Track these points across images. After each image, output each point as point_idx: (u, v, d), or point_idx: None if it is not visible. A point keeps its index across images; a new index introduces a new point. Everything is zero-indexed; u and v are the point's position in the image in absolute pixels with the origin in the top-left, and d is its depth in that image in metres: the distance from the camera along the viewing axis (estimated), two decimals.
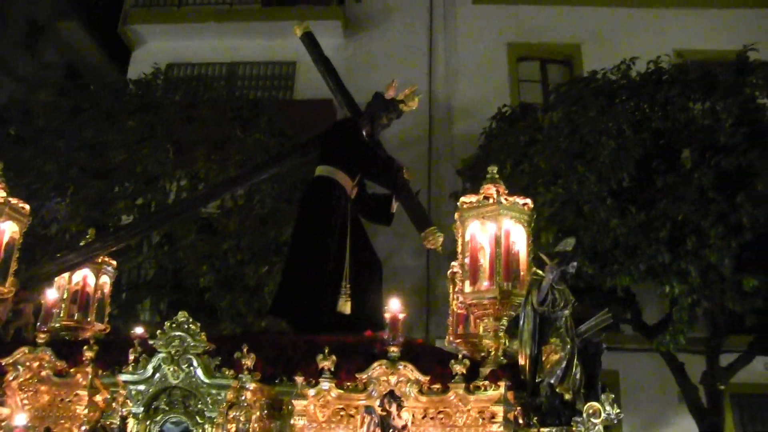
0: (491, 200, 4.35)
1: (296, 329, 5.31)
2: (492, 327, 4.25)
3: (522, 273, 4.29)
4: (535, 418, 3.87)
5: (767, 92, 9.75)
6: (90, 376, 4.24)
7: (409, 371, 3.98)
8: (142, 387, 3.93)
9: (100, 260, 5.84)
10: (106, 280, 5.93)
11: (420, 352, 4.37)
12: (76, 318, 5.59)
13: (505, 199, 4.35)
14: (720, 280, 8.79)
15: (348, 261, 5.76)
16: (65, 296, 5.62)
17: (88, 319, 5.64)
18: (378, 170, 6.12)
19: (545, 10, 14.24)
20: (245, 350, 3.98)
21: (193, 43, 14.34)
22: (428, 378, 3.98)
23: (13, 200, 5.00)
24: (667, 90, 9.71)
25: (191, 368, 3.91)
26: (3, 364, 4.40)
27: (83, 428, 4.18)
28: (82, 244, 5.99)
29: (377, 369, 4.00)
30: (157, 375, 3.93)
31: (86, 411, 4.21)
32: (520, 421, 3.91)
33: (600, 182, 8.96)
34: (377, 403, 3.86)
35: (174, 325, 3.99)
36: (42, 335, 4.54)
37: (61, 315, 5.58)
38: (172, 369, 3.90)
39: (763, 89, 9.69)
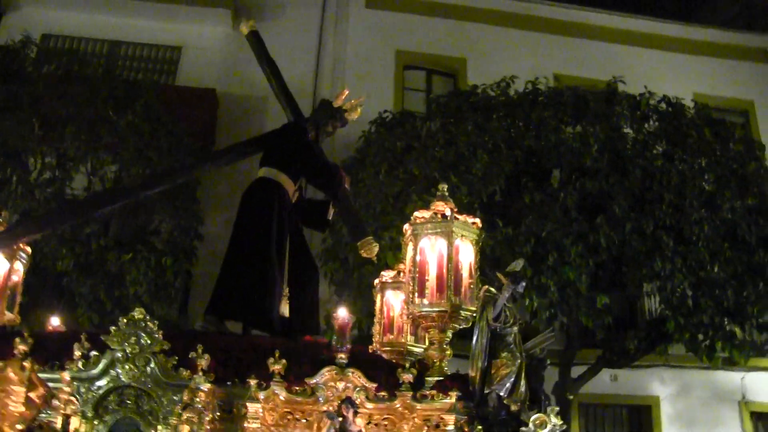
0: (443, 217, 4.47)
1: (241, 329, 5.28)
2: (438, 338, 4.42)
3: (469, 289, 4.45)
4: (480, 426, 4.02)
5: (630, 122, 10.39)
6: (27, 371, 3.92)
7: (357, 378, 4.06)
8: (91, 385, 3.76)
9: (14, 247, 5.39)
10: (19, 268, 5.47)
11: (366, 359, 4.50)
12: None
13: (456, 218, 4.48)
14: (576, 296, 9.24)
15: (287, 264, 5.75)
16: None
17: None
18: (323, 177, 6.12)
19: (435, 22, 14.50)
20: (200, 350, 3.90)
21: (73, 14, 13.56)
22: (375, 385, 4.06)
23: None
24: (542, 111, 10.15)
25: (147, 367, 3.80)
26: None
27: (18, 426, 3.87)
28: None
29: (326, 374, 4.07)
30: (110, 373, 3.79)
31: (22, 408, 3.89)
32: (465, 429, 4.05)
33: (471, 194, 9.20)
34: (325, 408, 3.92)
35: (129, 323, 3.86)
36: None
37: None
38: (126, 368, 3.78)
39: (627, 119, 10.33)
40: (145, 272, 9.40)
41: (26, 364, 3.97)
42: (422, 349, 5.21)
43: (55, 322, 4.31)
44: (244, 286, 5.50)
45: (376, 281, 5.63)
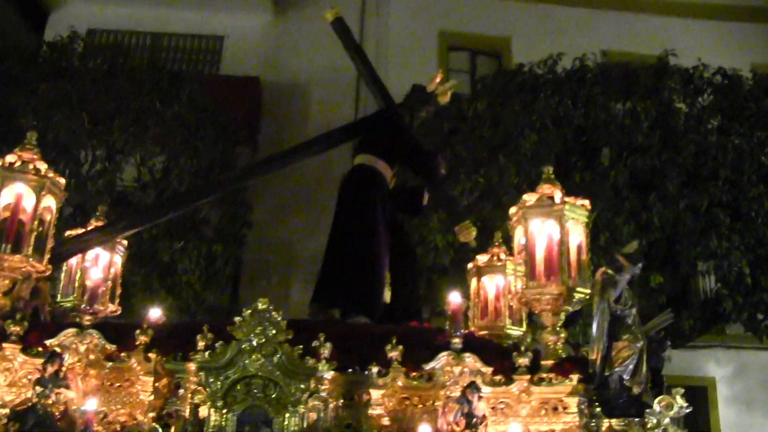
0: (554, 200, 4.43)
1: (344, 318, 5.26)
2: (551, 322, 4.36)
3: (581, 271, 4.41)
4: (598, 409, 4.00)
5: (683, 97, 10.08)
6: (153, 362, 4.06)
7: (473, 362, 4.06)
8: (219, 375, 3.82)
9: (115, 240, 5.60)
10: (117, 260, 5.67)
11: (480, 343, 4.48)
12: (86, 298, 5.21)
13: (566, 201, 4.44)
14: None
15: (387, 248, 5.73)
16: (78, 276, 5.36)
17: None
18: (422, 163, 6.07)
19: (478, 2, 14.28)
20: (322, 339, 3.95)
21: (117, 9, 13.76)
22: (491, 369, 4.05)
23: (50, 173, 4.64)
24: (590, 88, 9.93)
25: (274, 357, 3.84)
26: (48, 345, 4.16)
27: (150, 415, 4.00)
28: (100, 224, 5.67)
29: (443, 359, 4.06)
30: (237, 363, 3.84)
31: (151, 398, 4.04)
32: (586, 412, 4.02)
33: (520, 174, 9.07)
34: (448, 393, 3.96)
35: (254, 313, 3.91)
36: (88, 317, 4.28)
37: (74, 295, 5.33)
38: (253, 357, 3.83)
39: (679, 94, 10.03)
40: (197, 260, 9.55)
41: (151, 355, 4.08)
42: (520, 332, 5.21)
43: (155, 313, 4.39)
44: (350, 274, 5.47)
45: (471, 265, 5.64)
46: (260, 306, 3.94)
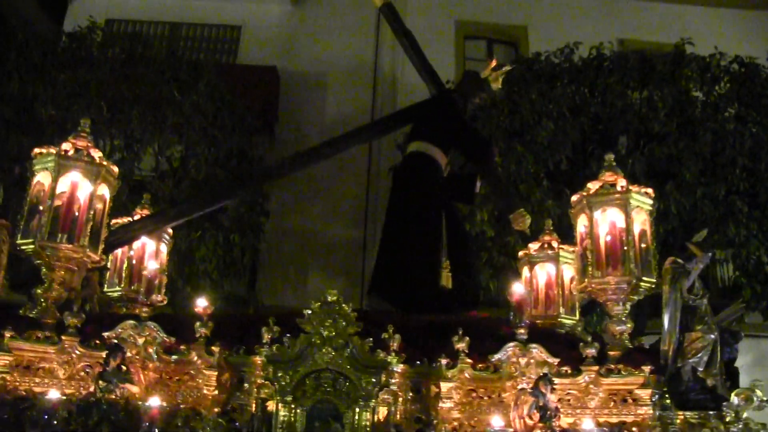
0: (617, 188, 4.40)
1: (401, 308, 5.20)
2: (618, 312, 4.30)
3: (647, 260, 4.36)
4: (668, 401, 3.94)
5: (700, 85, 10.03)
6: (216, 355, 3.98)
7: (539, 353, 3.99)
8: (288, 369, 3.77)
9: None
10: (163, 249, 5.66)
11: (544, 334, 4.41)
12: (135, 287, 5.35)
13: (632, 188, 4.41)
14: None
15: (444, 237, 5.68)
16: (125, 265, 5.35)
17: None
18: (478, 150, 6.03)
19: None
20: (391, 331, 3.91)
21: None
22: (558, 360, 3.99)
23: (105, 161, 4.60)
24: (607, 76, 9.89)
25: (345, 350, 3.78)
26: (107, 337, 4.11)
27: (215, 409, 3.94)
28: (146, 212, 5.65)
29: (509, 350, 4.00)
30: (306, 357, 3.78)
31: (215, 392, 3.97)
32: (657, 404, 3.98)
33: (537, 163, 9.07)
34: (515, 384, 3.89)
35: (323, 306, 3.85)
36: (146, 309, 4.22)
37: (122, 285, 5.32)
38: (324, 351, 3.77)
39: (696, 82, 9.98)
40: (214, 249, 9.56)
41: (215, 348, 4.00)
42: (574, 322, 5.20)
43: (201, 303, 4.45)
44: (407, 264, 5.43)
45: (521, 253, 5.59)
46: (330, 298, 3.87)
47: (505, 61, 12.53)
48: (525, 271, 5.51)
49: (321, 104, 13.33)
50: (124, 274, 5.36)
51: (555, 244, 5.42)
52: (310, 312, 3.85)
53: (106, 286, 5.41)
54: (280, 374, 3.76)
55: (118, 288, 5.35)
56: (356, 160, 12.45)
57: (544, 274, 5.43)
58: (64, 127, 9.54)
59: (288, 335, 3.84)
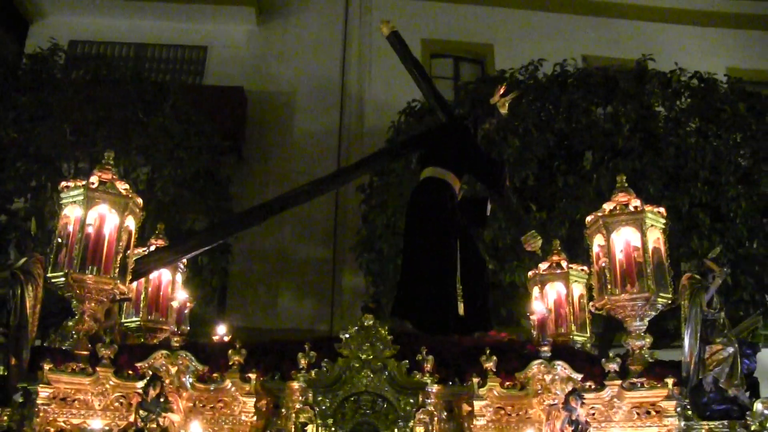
0: (633, 208, 4.55)
1: (423, 330, 5.24)
2: (635, 327, 4.43)
3: (662, 276, 4.50)
4: (689, 412, 4.05)
5: (662, 100, 10.21)
6: (254, 382, 4.02)
7: (563, 370, 4.10)
8: (327, 393, 3.84)
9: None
10: (179, 279, 5.65)
11: (566, 351, 4.56)
12: (153, 317, 5.35)
13: (647, 207, 4.57)
14: None
15: (458, 262, 5.73)
16: (142, 296, 5.34)
17: (162, 319, 5.39)
18: (491, 174, 6.09)
19: (460, 9, 14.43)
20: (424, 352, 3.98)
21: (99, 20, 13.76)
22: (581, 376, 4.11)
23: (131, 193, 4.62)
24: (572, 93, 10.03)
25: (383, 373, 3.86)
26: (140, 368, 4.13)
27: None
28: (160, 243, 5.61)
29: (534, 368, 4.11)
30: (345, 381, 3.86)
31: (254, 418, 4.00)
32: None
33: None
34: (549, 402, 4.00)
35: (360, 330, 3.94)
36: (177, 338, 4.20)
37: (141, 315, 5.31)
38: (362, 374, 3.85)
39: (658, 97, 10.15)
40: None
41: (251, 375, 4.04)
42: (585, 338, 5.35)
43: (221, 330, 4.35)
44: (424, 287, 5.48)
45: (531, 273, 5.72)
46: (366, 322, 3.96)
47: (472, 78, 12.74)
48: (535, 291, 5.65)
49: (288, 124, 13.35)
50: (141, 305, 5.36)
51: (564, 263, 5.55)
52: (347, 336, 3.94)
53: (123, 316, 5.40)
54: (320, 398, 3.84)
55: (135, 318, 5.35)
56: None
57: (554, 293, 5.55)
58: (26, 150, 9.43)
59: (326, 360, 3.91)
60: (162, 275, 5.54)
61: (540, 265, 5.65)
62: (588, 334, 5.42)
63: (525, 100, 10.14)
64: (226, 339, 4.66)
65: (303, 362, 3.97)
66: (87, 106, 9.66)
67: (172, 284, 5.55)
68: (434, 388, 3.98)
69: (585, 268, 5.52)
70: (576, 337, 5.33)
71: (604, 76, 10.35)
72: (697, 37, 14.49)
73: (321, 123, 13.21)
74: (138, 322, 5.32)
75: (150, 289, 5.47)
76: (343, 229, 12.04)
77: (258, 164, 12.87)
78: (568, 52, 11.70)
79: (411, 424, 3.81)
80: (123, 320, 5.37)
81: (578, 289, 5.51)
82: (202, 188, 10.14)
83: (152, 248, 5.53)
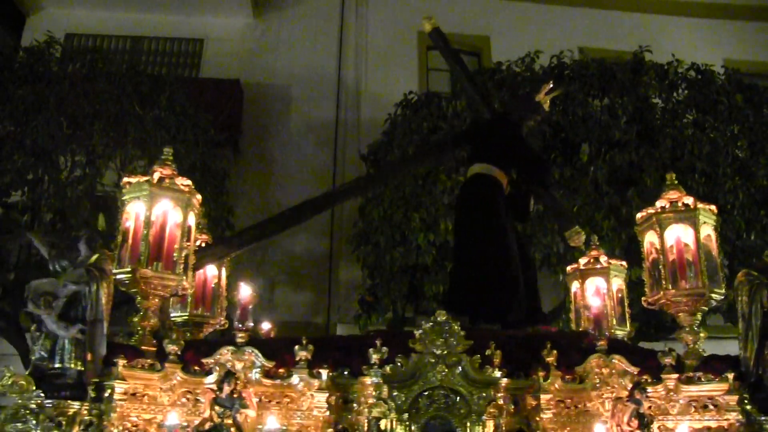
0: (683, 205, 4.61)
1: (483, 324, 5.25)
2: (689, 322, 4.50)
3: (715, 272, 4.55)
4: (749, 406, 4.08)
5: (659, 92, 10.20)
6: (327, 377, 4.08)
7: (619, 363, 4.16)
8: (403, 388, 3.88)
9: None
10: (224, 273, 5.65)
11: (622, 345, 4.65)
12: (199, 312, 5.34)
13: (699, 205, 4.61)
14: None
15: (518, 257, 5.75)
16: (190, 291, 5.22)
17: (207, 313, 5.40)
18: (537, 169, 6.17)
19: (457, 1, 14.38)
20: (492, 347, 4.05)
21: (95, 13, 13.74)
22: (638, 369, 4.15)
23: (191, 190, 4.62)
24: (568, 85, 10.01)
25: (457, 368, 3.91)
26: (206, 363, 4.15)
27: (329, 430, 4.04)
28: (204, 237, 5.57)
29: (592, 362, 4.18)
30: (420, 376, 3.90)
31: (327, 413, 4.05)
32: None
33: None
34: (612, 395, 4.06)
35: (434, 325, 3.97)
36: (242, 334, 4.21)
37: (187, 309, 5.28)
38: (437, 369, 3.90)
39: (655, 89, 10.15)
40: None
41: (323, 370, 4.10)
42: (625, 332, 5.42)
43: (266, 326, 4.31)
44: (482, 282, 5.51)
45: (570, 268, 5.78)
46: (440, 318, 3.99)
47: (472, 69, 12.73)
48: (574, 285, 5.72)
49: (285, 116, 13.33)
50: (189, 300, 5.32)
51: (603, 258, 5.62)
52: (421, 332, 3.98)
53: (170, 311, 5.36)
54: (395, 393, 3.89)
55: (182, 313, 5.32)
56: (321, 172, 12.47)
57: (593, 288, 5.60)
58: (22, 143, 9.41)
59: (400, 355, 3.96)
60: (207, 270, 5.52)
61: (579, 260, 5.70)
62: (628, 328, 5.49)
63: (521, 91, 10.13)
64: (271, 335, 4.68)
65: (375, 358, 4.06)
66: (83, 99, 9.63)
67: (218, 279, 5.55)
68: (503, 382, 4.05)
69: (624, 263, 5.65)
70: (617, 331, 5.38)
71: (600, 68, 10.35)
72: (694, 28, 14.48)
73: (317, 115, 13.20)
74: (185, 317, 5.30)
75: (196, 283, 5.42)
76: (339, 222, 12.04)
77: (254, 157, 12.86)
78: (564, 44, 11.70)
79: (483, 418, 3.89)
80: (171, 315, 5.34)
81: (616, 284, 5.60)
82: (198, 181, 10.08)
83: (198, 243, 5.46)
